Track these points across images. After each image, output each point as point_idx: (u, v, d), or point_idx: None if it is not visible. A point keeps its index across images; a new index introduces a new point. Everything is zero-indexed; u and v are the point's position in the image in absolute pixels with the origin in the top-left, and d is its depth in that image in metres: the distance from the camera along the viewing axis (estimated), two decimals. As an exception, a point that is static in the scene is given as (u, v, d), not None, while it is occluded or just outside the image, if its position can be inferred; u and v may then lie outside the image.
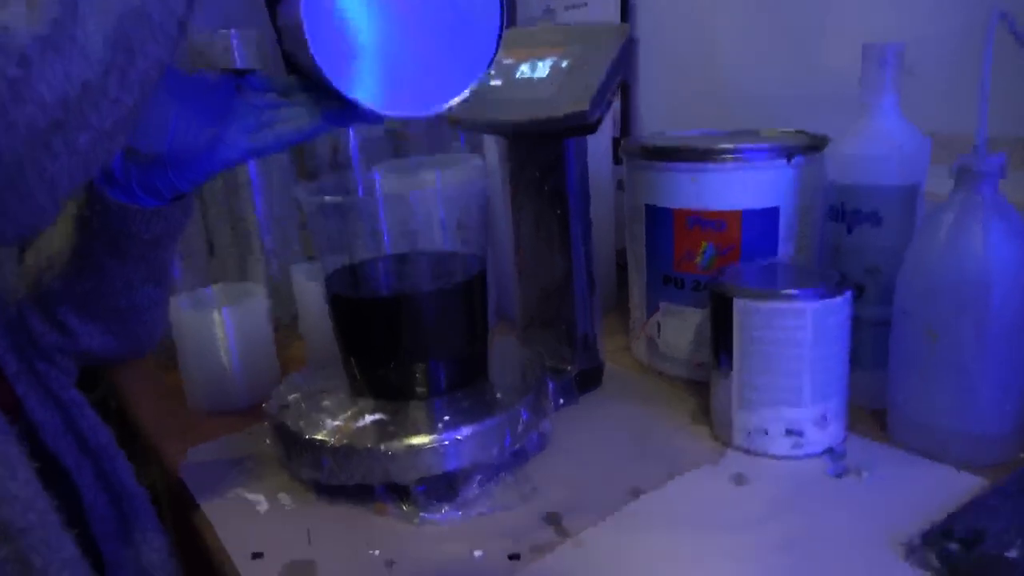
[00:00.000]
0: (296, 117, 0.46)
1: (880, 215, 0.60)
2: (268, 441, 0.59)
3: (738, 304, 0.57)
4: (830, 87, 0.78)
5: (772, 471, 0.57)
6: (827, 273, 0.59)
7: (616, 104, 0.97)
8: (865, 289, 0.62)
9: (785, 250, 0.67)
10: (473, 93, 0.46)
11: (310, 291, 0.78)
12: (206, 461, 0.65)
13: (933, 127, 0.71)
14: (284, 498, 0.59)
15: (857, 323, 0.59)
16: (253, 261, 0.86)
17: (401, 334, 0.57)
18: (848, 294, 0.57)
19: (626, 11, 0.95)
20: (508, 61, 0.67)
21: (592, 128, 0.60)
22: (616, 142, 1.01)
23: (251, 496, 0.59)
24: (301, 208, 0.94)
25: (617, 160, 1.00)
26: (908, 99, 0.60)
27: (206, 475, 0.62)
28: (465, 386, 0.60)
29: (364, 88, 0.43)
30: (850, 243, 0.62)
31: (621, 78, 0.58)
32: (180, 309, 0.73)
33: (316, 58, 0.42)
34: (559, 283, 0.69)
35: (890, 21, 0.73)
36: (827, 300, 0.55)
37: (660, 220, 0.69)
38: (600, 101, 0.58)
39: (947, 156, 0.70)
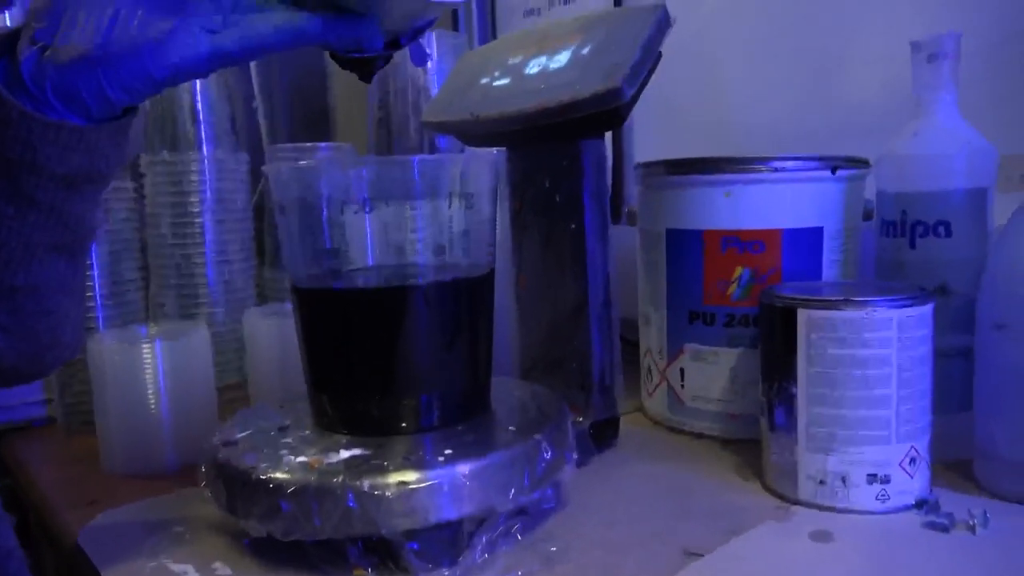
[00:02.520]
0: (279, 17, 0.36)
1: (950, 225, 0.52)
2: (204, 484, 0.44)
3: (805, 316, 0.47)
4: (845, 117, 0.72)
5: (858, 526, 0.45)
6: (897, 284, 0.50)
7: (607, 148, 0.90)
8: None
9: (830, 276, 0.58)
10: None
11: (262, 331, 0.65)
12: (115, 525, 0.49)
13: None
14: (221, 568, 0.43)
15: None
16: (197, 305, 0.73)
17: (388, 345, 0.45)
18: (932, 307, 0.47)
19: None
20: (515, 60, 0.59)
21: (622, 116, 0.51)
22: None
23: (176, 566, 0.44)
24: (263, 239, 0.82)
25: (615, 217, 0.92)
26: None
27: (113, 540, 0.47)
28: (466, 419, 0.47)
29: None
30: (915, 258, 0.53)
31: (657, 58, 0.51)
32: (102, 342, 0.59)
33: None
34: (570, 314, 0.58)
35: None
36: (915, 307, 0.46)
37: (686, 245, 0.60)
38: (635, 79, 0.49)
39: (999, 177, 0.63)
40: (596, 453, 0.58)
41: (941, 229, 0.52)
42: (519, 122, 0.55)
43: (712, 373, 0.60)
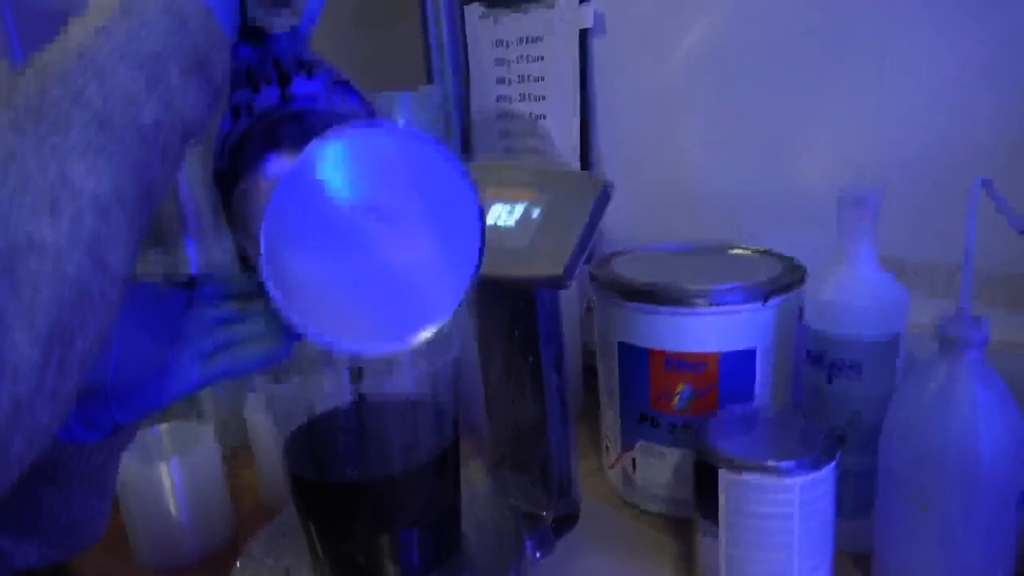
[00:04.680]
0: (255, 338, 0.42)
1: (861, 366, 0.59)
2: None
3: (724, 475, 0.55)
4: (799, 200, 0.77)
5: (763, 646, 0.55)
6: (810, 429, 0.57)
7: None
8: (846, 439, 0.60)
9: (763, 390, 0.66)
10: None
11: (266, 425, 0.73)
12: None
13: (907, 254, 0.70)
14: None
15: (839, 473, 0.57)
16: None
17: (368, 522, 0.53)
18: (833, 465, 0.55)
19: (585, 118, 0.90)
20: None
21: (566, 285, 0.57)
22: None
23: None
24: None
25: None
26: (882, 225, 0.58)
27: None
28: (439, 565, 0.56)
29: (323, 321, 0.38)
30: (831, 391, 0.60)
31: (596, 234, 0.56)
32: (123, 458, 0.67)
33: (270, 289, 0.37)
34: (531, 427, 0.66)
35: (861, 140, 0.73)
36: (814, 473, 0.53)
37: (635, 359, 0.67)
38: (575, 263, 0.55)
39: (924, 283, 0.69)
40: (557, 539, 0.67)
41: (853, 372, 0.59)
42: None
43: (660, 466, 0.69)
